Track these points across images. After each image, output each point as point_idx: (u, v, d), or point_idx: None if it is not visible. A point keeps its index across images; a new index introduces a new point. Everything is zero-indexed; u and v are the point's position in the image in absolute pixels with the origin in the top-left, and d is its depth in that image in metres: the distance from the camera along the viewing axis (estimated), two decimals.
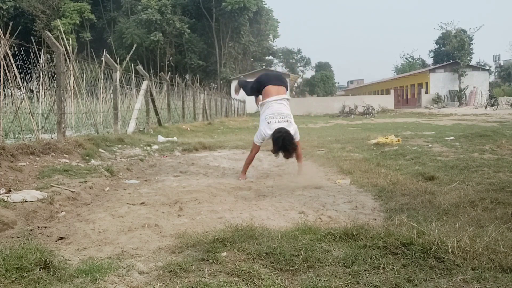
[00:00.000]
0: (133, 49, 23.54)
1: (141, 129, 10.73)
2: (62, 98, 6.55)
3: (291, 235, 2.52)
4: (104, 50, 10.88)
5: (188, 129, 13.56)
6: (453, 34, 45.71)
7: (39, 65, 8.51)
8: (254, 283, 1.98)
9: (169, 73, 24.86)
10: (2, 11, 41.42)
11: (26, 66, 7.39)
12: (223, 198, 3.92)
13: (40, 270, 2.04)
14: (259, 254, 2.24)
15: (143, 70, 11.43)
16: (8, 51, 6.14)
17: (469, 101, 38.77)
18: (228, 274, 2.08)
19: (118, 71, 9.46)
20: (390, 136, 8.58)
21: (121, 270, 2.17)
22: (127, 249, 2.51)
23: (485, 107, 29.72)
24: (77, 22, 43.55)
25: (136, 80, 12.06)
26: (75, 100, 9.57)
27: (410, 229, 2.40)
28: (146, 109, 11.36)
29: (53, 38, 6.63)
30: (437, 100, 39.75)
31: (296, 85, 64.31)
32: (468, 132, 9.27)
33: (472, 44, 44.44)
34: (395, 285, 1.91)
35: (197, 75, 29.96)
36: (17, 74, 6.56)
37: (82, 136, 7.32)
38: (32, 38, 11.79)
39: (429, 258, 2.11)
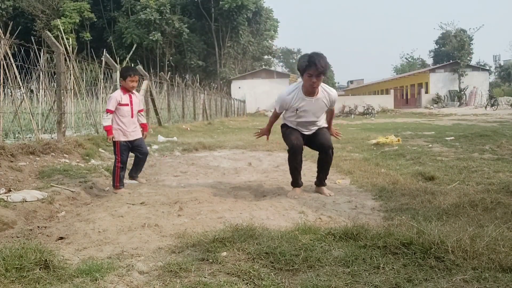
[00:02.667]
0: (133, 49, 23.53)
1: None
2: (62, 98, 6.55)
3: (291, 235, 2.52)
4: (104, 50, 10.88)
5: (188, 129, 13.56)
6: (453, 34, 45.73)
7: (39, 65, 8.50)
8: (254, 283, 1.97)
9: (169, 73, 24.84)
10: (1, 11, 41.37)
11: (26, 66, 7.39)
12: (223, 198, 3.92)
13: (40, 270, 2.04)
14: (259, 254, 2.24)
15: (143, 70, 11.44)
16: (8, 51, 6.13)
17: (469, 101, 38.75)
18: (228, 274, 2.08)
19: (118, 71, 9.46)
20: (390, 136, 8.59)
21: (121, 270, 2.17)
22: (127, 249, 2.51)
23: (485, 107, 29.74)
24: (77, 21, 43.49)
25: None
26: (75, 100, 9.55)
27: (410, 229, 2.40)
28: (146, 109, 11.36)
29: (53, 38, 6.63)
30: (437, 100, 39.71)
31: None
32: (468, 132, 9.28)
33: (472, 44, 44.41)
34: (395, 285, 1.91)
35: (197, 75, 29.95)
36: (17, 74, 6.55)
37: (82, 136, 7.32)
38: (32, 38, 11.74)
39: (429, 258, 2.11)
